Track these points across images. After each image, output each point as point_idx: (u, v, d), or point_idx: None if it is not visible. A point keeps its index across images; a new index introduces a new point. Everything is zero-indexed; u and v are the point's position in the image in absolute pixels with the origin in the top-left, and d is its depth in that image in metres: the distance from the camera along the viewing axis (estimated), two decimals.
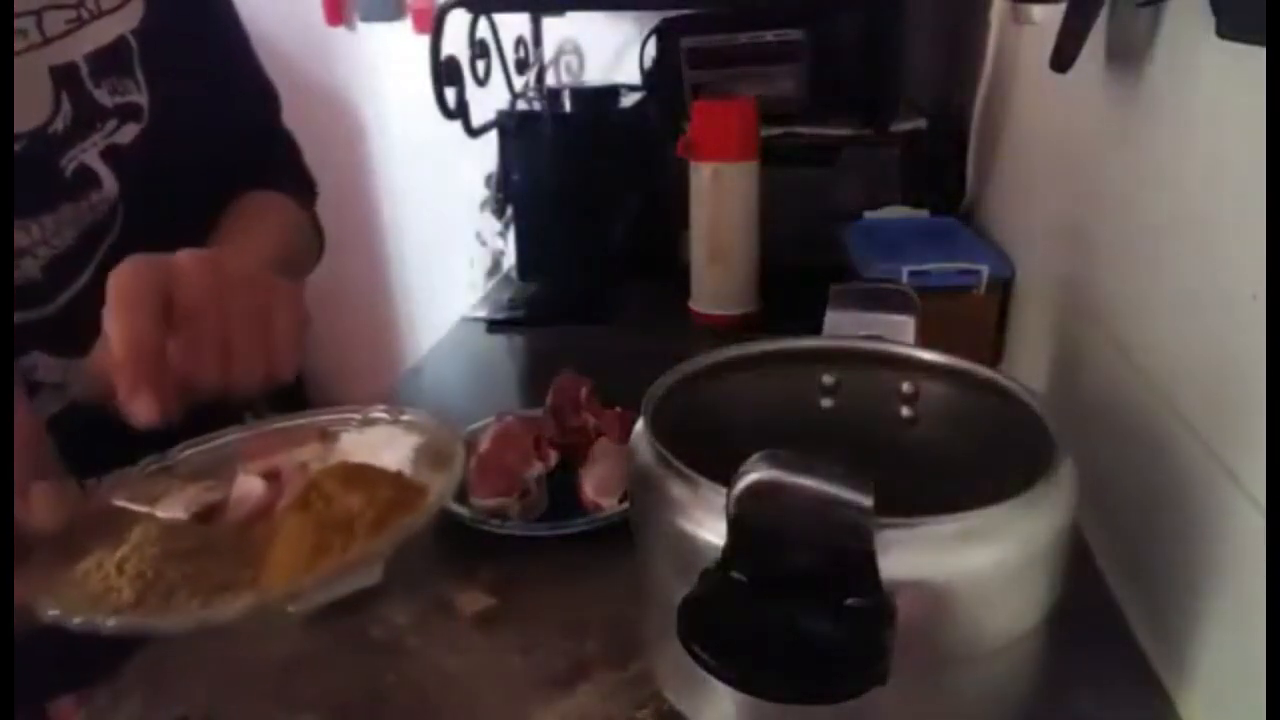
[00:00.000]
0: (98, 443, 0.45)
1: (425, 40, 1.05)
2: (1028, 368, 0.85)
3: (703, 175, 1.02)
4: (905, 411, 0.57)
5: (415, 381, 1.01)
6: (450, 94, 1.07)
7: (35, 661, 0.49)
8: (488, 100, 1.19)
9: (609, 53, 1.48)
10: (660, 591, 0.44)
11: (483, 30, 1.19)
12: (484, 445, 0.72)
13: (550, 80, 1.47)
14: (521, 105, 1.27)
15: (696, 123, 1.01)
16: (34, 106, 0.56)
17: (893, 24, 1.12)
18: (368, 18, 1.60)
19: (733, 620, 0.37)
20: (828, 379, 0.58)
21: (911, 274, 0.88)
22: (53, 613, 0.37)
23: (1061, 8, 0.62)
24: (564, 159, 1.17)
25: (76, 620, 0.37)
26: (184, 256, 0.44)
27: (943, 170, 1.11)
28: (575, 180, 1.18)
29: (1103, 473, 0.60)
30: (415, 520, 0.40)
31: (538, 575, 0.63)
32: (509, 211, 1.32)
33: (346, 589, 0.60)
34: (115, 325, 0.40)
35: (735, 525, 0.38)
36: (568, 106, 1.25)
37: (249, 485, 0.46)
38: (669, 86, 1.24)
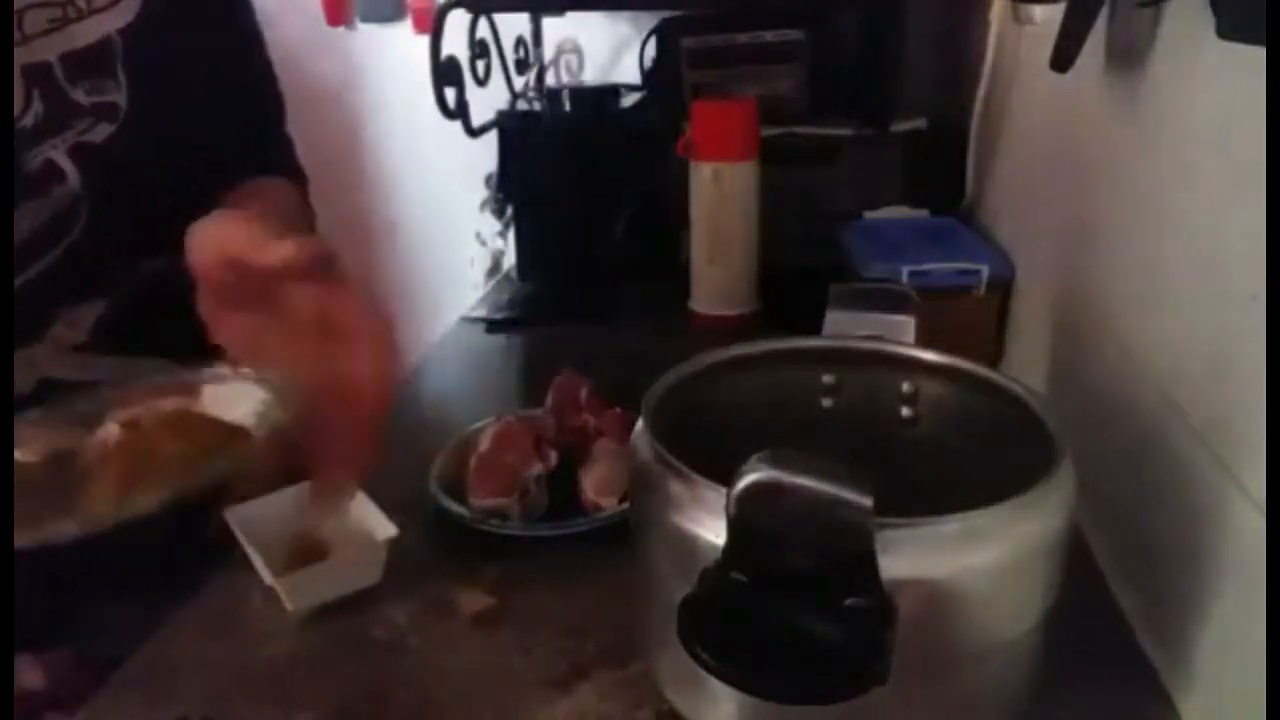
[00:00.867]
0: None
1: (425, 40, 1.05)
2: (1028, 368, 0.85)
3: (703, 175, 1.02)
4: (905, 411, 0.57)
5: (415, 381, 1.01)
6: (450, 94, 1.07)
7: None
8: (488, 100, 1.19)
9: (609, 53, 1.48)
10: (660, 591, 0.44)
11: (483, 30, 1.19)
12: (484, 445, 0.72)
13: (550, 80, 1.47)
14: (521, 105, 1.27)
15: (696, 123, 1.01)
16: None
17: (893, 24, 1.12)
18: (368, 18, 1.60)
19: (733, 620, 0.37)
20: (828, 379, 0.58)
21: (911, 274, 0.88)
22: None
23: (1061, 8, 0.62)
24: (564, 159, 1.17)
25: None
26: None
27: (943, 170, 1.11)
28: (575, 180, 1.18)
29: (1103, 473, 0.60)
30: (226, 461, 0.48)
31: (538, 575, 0.63)
32: (509, 211, 1.32)
33: (345, 589, 0.61)
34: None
35: (735, 525, 0.38)
36: (568, 106, 1.25)
37: (106, 432, 0.50)
38: (669, 86, 1.24)
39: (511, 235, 1.28)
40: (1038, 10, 0.83)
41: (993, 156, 1.03)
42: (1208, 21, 0.46)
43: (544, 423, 0.77)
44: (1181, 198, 0.53)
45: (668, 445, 0.45)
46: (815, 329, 0.59)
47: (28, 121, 0.57)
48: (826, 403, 0.58)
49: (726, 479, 0.38)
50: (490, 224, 1.57)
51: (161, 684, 0.55)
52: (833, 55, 1.24)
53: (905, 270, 0.88)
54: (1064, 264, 0.76)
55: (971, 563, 0.39)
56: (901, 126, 1.15)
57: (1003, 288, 0.90)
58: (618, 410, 0.77)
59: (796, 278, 0.93)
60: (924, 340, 0.57)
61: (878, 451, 0.55)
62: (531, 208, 1.23)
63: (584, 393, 0.78)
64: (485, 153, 1.25)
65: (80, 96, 0.60)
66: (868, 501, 0.36)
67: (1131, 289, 0.61)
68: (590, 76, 1.50)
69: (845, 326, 0.58)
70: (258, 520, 0.63)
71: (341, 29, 1.61)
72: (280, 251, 0.49)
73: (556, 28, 1.46)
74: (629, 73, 1.37)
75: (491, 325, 1.12)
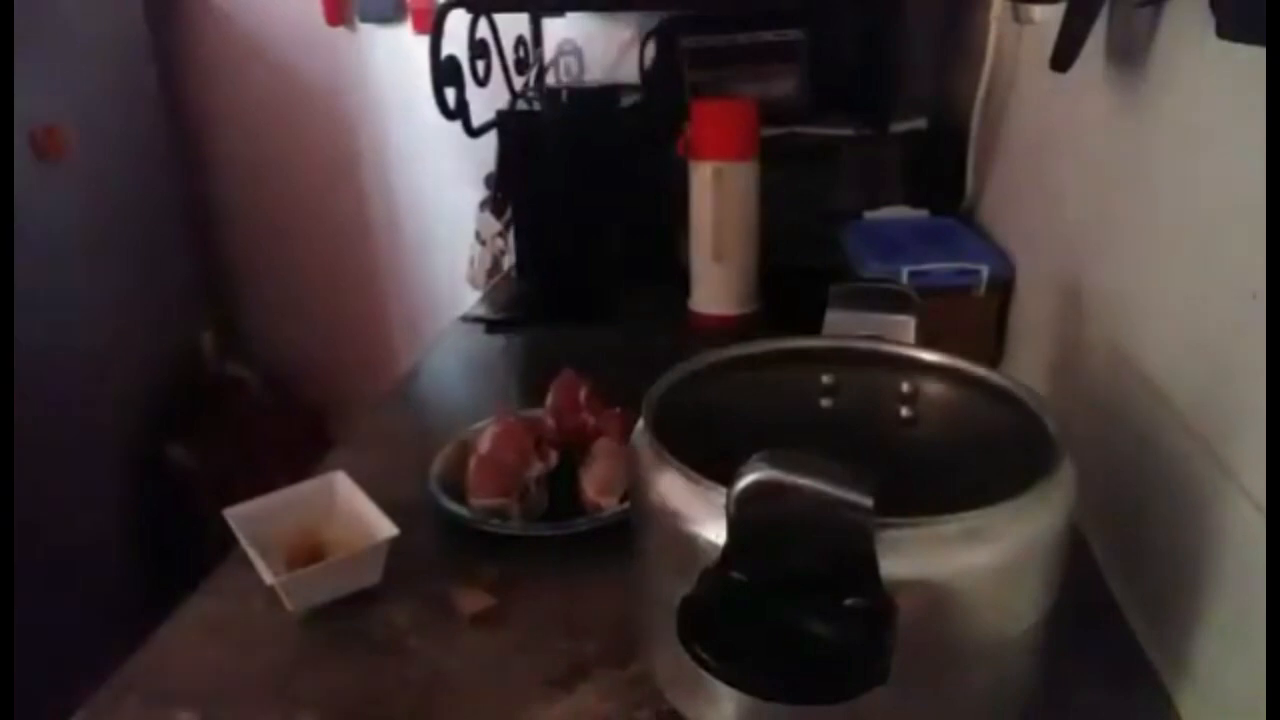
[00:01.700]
0: None
1: (425, 40, 1.05)
2: (1028, 368, 0.85)
3: (703, 175, 1.02)
4: (905, 411, 0.57)
5: (415, 381, 1.01)
6: (450, 94, 1.07)
7: None
8: (488, 100, 1.19)
9: (609, 53, 1.47)
10: (660, 591, 0.44)
11: (483, 30, 1.19)
12: (484, 445, 0.72)
13: (550, 80, 1.47)
14: (521, 105, 1.26)
15: (696, 123, 1.01)
16: None
17: (892, 24, 1.12)
18: (367, 18, 1.59)
19: (733, 620, 0.37)
20: (828, 379, 0.58)
21: (911, 274, 0.88)
22: None
23: (1061, 8, 0.62)
24: (564, 159, 1.17)
25: None
26: None
27: (943, 170, 1.11)
28: (575, 180, 1.18)
29: (1102, 473, 0.60)
30: None
31: (538, 575, 0.63)
32: (509, 211, 1.32)
33: (345, 589, 0.61)
34: None
35: (735, 525, 0.38)
36: (567, 106, 1.25)
37: None
38: (669, 86, 1.24)
39: (511, 235, 1.28)
40: (1037, 10, 0.83)
41: (993, 156, 1.03)
42: (1208, 21, 0.46)
43: (544, 423, 0.77)
44: (1181, 197, 0.53)
45: (668, 445, 0.45)
46: (815, 329, 0.59)
47: None
48: (826, 403, 0.58)
49: (726, 479, 0.38)
50: (490, 224, 1.56)
51: (161, 684, 0.55)
52: (833, 55, 1.24)
53: (905, 270, 0.88)
54: (1064, 264, 0.76)
55: (971, 563, 0.39)
56: (901, 126, 1.15)
57: (1003, 288, 0.90)
58: (618, 410, 0.77)
59: (796, 278, 0.93)
60: (924, 340, 0.57)
61: (878, 451, 0.54)
62: (531, 208, 1.23)
63: (584, 393, 0.78)
64: (485, 153, 1.25)
65: None
66: (868, 501, 0.36)
67: (1131, 289, 0.61)
68: (590, 76, 1.50)
69: (845, 326, 0.58)
70: (258, 520, 0.63)
71: (341, 29, 1.61)
72: None
73: (556, 28, 1.46)
74: (629, 73, 1.37)
75: (491, 325, 1.12)
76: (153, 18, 1.59)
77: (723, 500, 0.38)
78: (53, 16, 1.35)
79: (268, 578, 0.58)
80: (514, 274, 1.27)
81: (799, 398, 0.58)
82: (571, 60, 1.50)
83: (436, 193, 1.66)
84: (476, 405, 0.84)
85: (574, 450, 0.74)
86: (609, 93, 1.28)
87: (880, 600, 0.37)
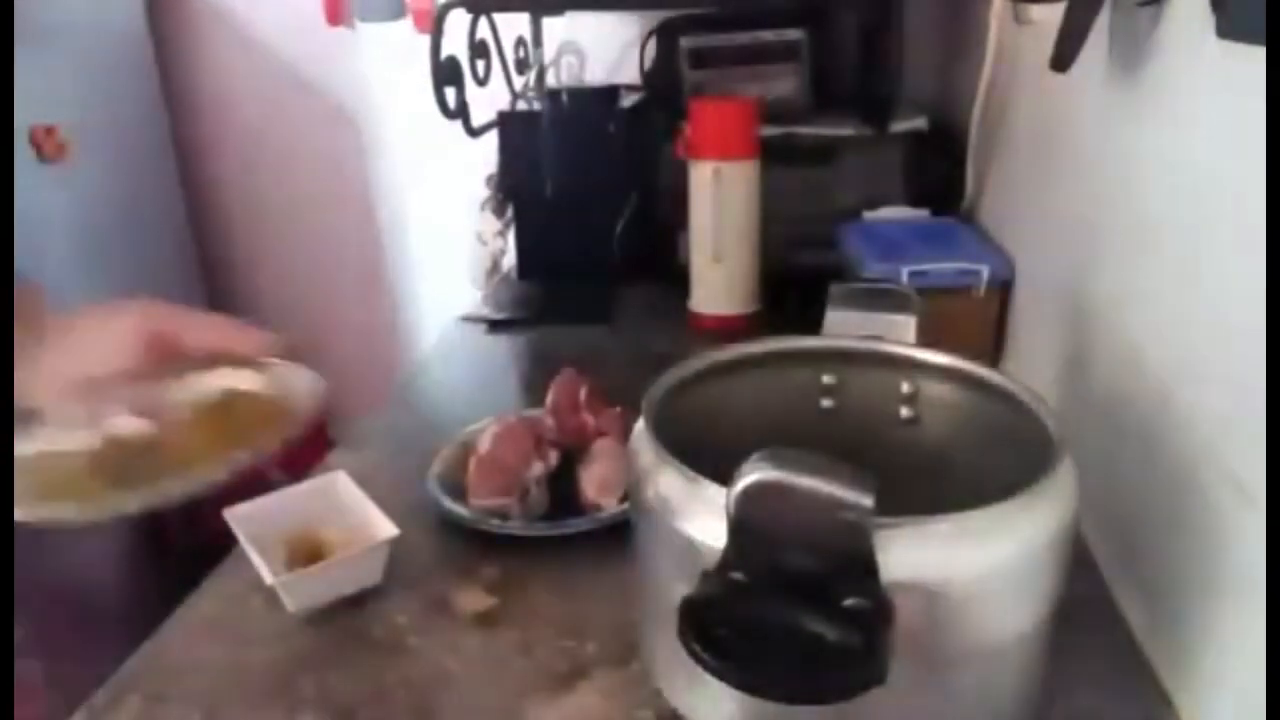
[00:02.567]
0: None
1: (425, 40, 1.05)
2: (1028, 368, 0.85)
3: (703, 175, 1.02)
4: (905, 411, 0.57)
5: (415, 381, 1.01)
6: (450, 94, 1.07)
7: None
8: (488, 100, 1.19)
9: (609, 53, 1.47)
10: (660, 591, 0.44)
11: (483, 30, 1.18)
12: (484, 445, 0.72)
13: (550, 80, 1.47)
14: (521, 105, 1.26)
15: (696, 123, 1.01)
16: None
17: (892, 24, 1.12)
18: (367, 18, 1.59)
19: (733, 620, 0.37)
20: (828, 379, 0.58)
21: (911, 274, 0.88)
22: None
23: (1061, 8, 0.62)
24: (564, 159, 1.17)
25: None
26: None
27: (943, 170, 1.11)
28: (575, 180, 1.18)
29: (1103, 473, 0.60)
30: (299, 419, 0.51)
31: (538, 575, 0.63)
32: (509, 211, 1.32)
33: (345, 589, 0.61)
34: None
35: (735, 525, 0.38)
36: (568, 106, 1.25)
37: (130, 423, 0.53)
38: (669, 86, 1.24)
39: (511, 235, 1.28)
40: (1037, 10, 0.83)
41: (993, 156, 1.03)
42: (1208, 21, 0.46)
43: (544, 423, 0.77)
44: (1181, 197, 0.53)
45: (668, 445, 0.45)
46: (815, 329, 0.59)
47: None
48: (826, 403, 0.58)
49: (726, 479, 0.38)
50: (490, 224, 1.56)
51: (161, 684, 0.55)
52: (833, 55, 1.24)
53: (905, 270, 0.88)
54: (1064, 264, 0.76)
55: (971, 563, 0.39)
56: (901, 126, 1.15)
57: (1003, 288, 0.90)
58: (618, 410, 0.77)
59: (796, 278, 0.93)
60: (924, 340, 0.57)
61: (878, 451, 0.55)
62: (531, 208, 1.23)
63: (584, 393, 0.78)
64: (485, 153, 1.25)
65: None
66: (868, 501, 0.36)
67: (1131, 288, 0.61)
68: (590, 76, 1.50)
69: (845, 326, 0.58)
70: (258, 520, 0.63)
71: (341, 29, 1.61)
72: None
73: (556, 28, 1.45)
74: (629, 73, 1.37)
75: (491, 325, 1.12)
76: (153, 18, 1.59)
77: (723, 500, 0.38)
78: (53, 16, 1.35)
79: (268, 578, 0.58)
80: (514, 274, 1.27)
81: (799, 398, 0.58)
82: (571, 60, 1.50)
83: (436, 193, 1.66)
84: (476, 405, 0.84)
85: (574, 450, 0.74)
86: (609, 93, 1.28)
87: (879, 600, 0.37)
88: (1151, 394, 0.55)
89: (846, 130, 1.16)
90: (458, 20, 1.11)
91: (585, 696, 0.53)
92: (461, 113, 1.10)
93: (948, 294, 0.88)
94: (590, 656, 0.56)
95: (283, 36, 1.61)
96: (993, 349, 0.92)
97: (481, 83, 1.17)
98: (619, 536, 0.52)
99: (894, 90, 1.11)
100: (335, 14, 1.59)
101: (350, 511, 0.65)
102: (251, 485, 0.64)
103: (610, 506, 0.67)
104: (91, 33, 1.44)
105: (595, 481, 0.70)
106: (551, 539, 0.66)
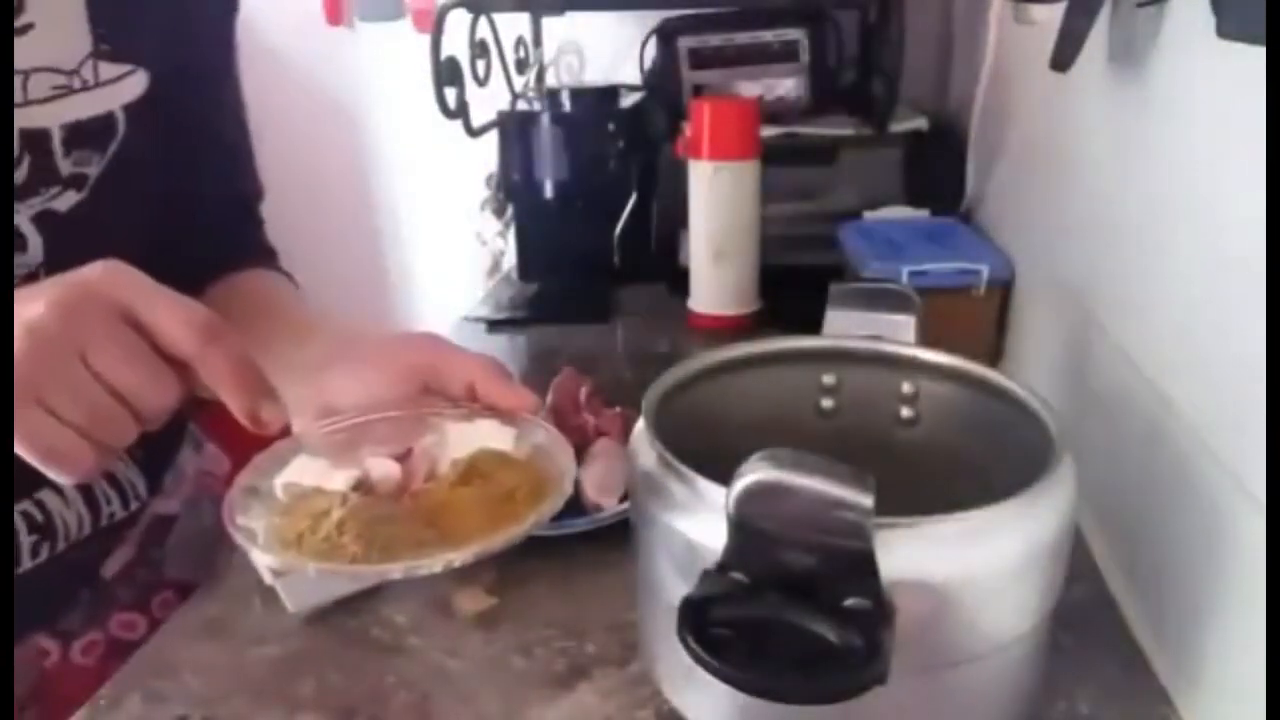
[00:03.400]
0: None
1: (425, 40, 1.05)
2: (1028, 368, 0.85)
3: (703, 175, 1.02)
4: (905, 411, 0.57)
5: None
6: (450, 94, 1.07)
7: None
8: (488, 100, 1.19)
9: (609, 53, 1.48)
10: (660, 591, 0.44)
11: (483, 30, 1.19)
12: None
13: (550, 80, 1.47)
14: (521, 105, 1.27)
15: (696, 123, 1.01)
16: None
17: (892, 24, 1.12)
18: (367, 18, 1.60)
19: (733, 620, 0.37)
20: (828, 379, 0.58)
21: (911, 274, 0.88)
22: (319, 567, 0.45)
23: (1061, 8, 0.62)
24: (564, 159, 1.17)
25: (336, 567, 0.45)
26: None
27: (943, 170, 1.11)
28: (575, 180, 1.18)
29: (1103, 473, 0.60)
30: (559, 495, 0.48)
31: (538, 575, 0.63)
32: (509, 211, 1.32)
33: (345, 589, 0.61)
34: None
35: (735, 525, 0.38)
36: (568, 106, 1.25)
37: (386, 466, 0.51)
38: (669, 86, 1.24)
39: (511, 235, 1.28)
40: (1037, 10, 0.83)
41: (993, 156, 1.03)
42: (1208, 21, 0.46)
43: None
44: (1181, 197, 0.53)
45: (668, 445, 0.45)
46: (815, 329, 0.59)
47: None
48: (826, 403, 0.58)
49: (726, 479, 0.38)
50: (490, 224, 1.57)
51: (161, 684, 0.55)
52: (833, 55, 1.24)
53: (905, 270, 0.88)
54: (1064, 264, 0.76)
55: (971, 563, 0.39)
56: (901, 126, 1.15)
57: (1003, 288, 0.90)
58: (618, 410, 0.77)
59: (796, 278, 0.93)
60: (924, 340, 0.57)
61: (878, 451, 0.55)
62: (531, 208, 1.23)
63: (584, 393, 0.78)
64: (485, 153, 1.25)
65: (66, 167, 0.58)
66: (868, 501, 0.36)
67: (1131, 288, 0.61)
68: (590, 76, 1.50)
69: (845, 326, 0.58)
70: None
71: (341, 29, 1.61)
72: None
73: (556, 28, 1.46)
74: (629, 73, 1.37)
75: (491, 325, 1.12)
76: None
77: (723, 500, 0.38)
78: None
79: (268, 578, 0.58)
80: (514, 274, 1.27)
81: (799, 398, 0.58)
82: (571, 60, 1.50)
83: (436, 193, 1.66)
84: None
85: (574, 450, 0.74)
86: (609, 93, 1.28)
87: (879, 600, 0.37)
88: (1151, 393, 0.55)
89: (846, 130, 1.16)
90: (458, 20, 1.11)
91: (585, 697, 0.53)
92: (461, 113, 1.10)
93: (948, 294, 0.88)
94: (590, 656, 0.56)
95: (283, 36, 1.61)
96: (993, 349, 0.92)
97: (481, 83, 1.17)
98: (619, 536, 0.52)
99: (894, 90, 1.11)
100: (335, 14, 1.59)
101: None
102: None
103: (610, 506, 0.67)
104: None
105: (595, 481, 0.69)
106: (551, 539, 0.66)
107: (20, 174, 0.56)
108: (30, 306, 0.40)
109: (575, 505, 0.69)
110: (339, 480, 0.49)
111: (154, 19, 0.62)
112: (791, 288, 0.99)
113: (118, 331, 0.41)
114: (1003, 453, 0.49)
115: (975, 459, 0.52)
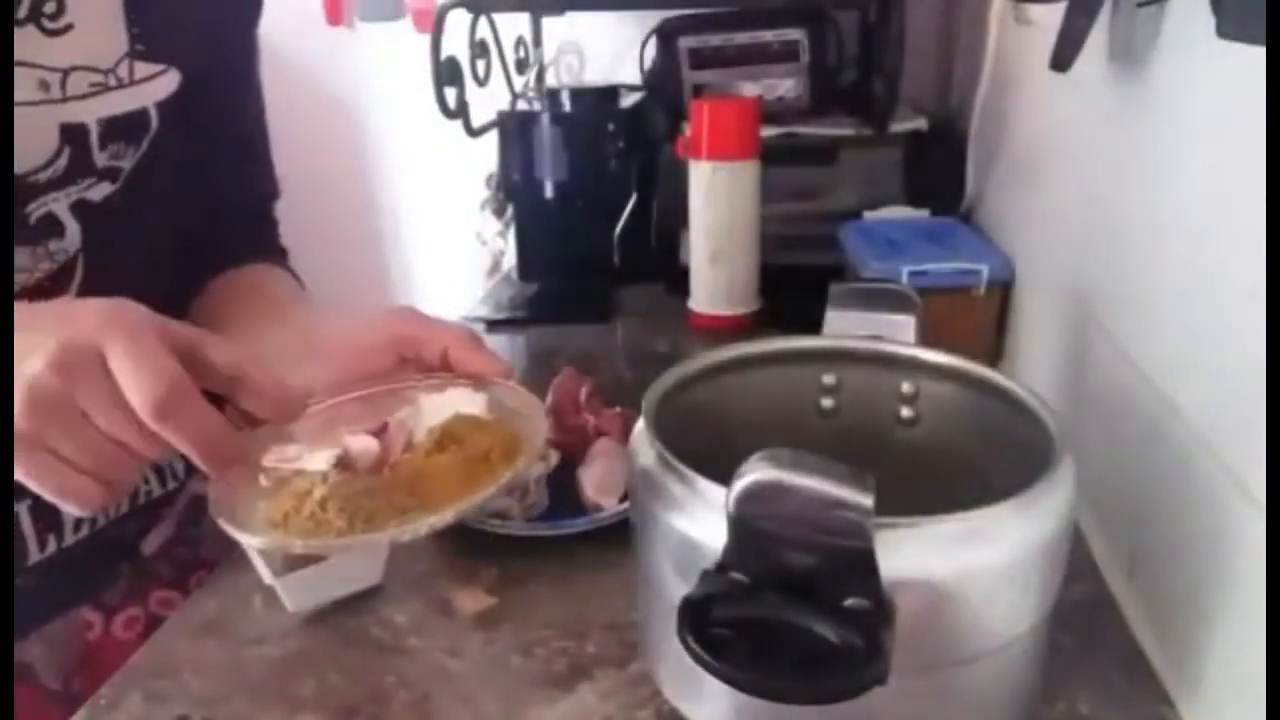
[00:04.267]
0: None
1: (425, 40, 1.05)
2: (1028, 368, 0.85)
3: (703, 175, 1.02)
4: (905, 411, 0.57)
5: None
6: (450, 94, 1.07)
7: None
8: (488, 100, 1.19)
9: (609, 53, 1.47)
10: (660, 591, 0.44)
11: (483, 30, 1.19)
12: None
13: (550, 80, 1.47)
14: (521, 105, 1.27)
15: (696, 123, 1.01)
16: (35, 154, 0.57)
17: (892, 25, 1.12)
18: (367, 18, 1.60)
19: (733, 620, 0.37)
20: (828, 379, 0.58)
21: (911, 274, 0.88)
22: (305, 543, 0.46)
23: (1061, 8, 0.62)
24: (564, 159, 1.17)
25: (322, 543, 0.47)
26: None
27: (943, 170, 1.11)
28: (575, 180, 1.18)
29: (1103, 472, 0.60)
30: (532, 454, 0.50)
31: (538, 575, 0.63)
32: (509, 211, 1.32)
33: (345, 589, 0.61)
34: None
35: (735, 525, 0.38)
36: (568, 106, 1.25)
37: (364, 442, 0.53)
38: (669, 86, 1.24)
39: (511, 235, 1.28)
40: (1037, 10, 0.83)
41: (993, 156, 1.03)
42: (1208, 21, 0.46)
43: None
44: (1181, 197, 0.53)
45: (668, 445, 0.45)
46: (815, 329, 0.59)
47: (41, 176, 0.58)
48: (826, 402, 0.58)
49: (726, 479, 0.38)
50: (490, 224, 1.57)
51: (161, 684, 0.55)
52: (833, 55, 1.24)
53: (905, 270, 0.88)
54: (1063, 264, 0.76)
55: (971, 563, 0.39)
56: (901, 126, 1.15)
57: (1003, 288, 0.90)
58: (618, 410, 0.77)
59: (796, 278, 0.93)
60: (924, 340, 0.57)
61: (878, 451, 0.55)
62: (531, 208, 1.23)
63: (584, 393, 0.78)
64: (485, 153, 1.25)
65: (102, 160, 0.61)
66: (868, 501, 0.36)
67: (1131, 289, 0.61)
68: (590, 76, 1.50)
69: (845, 326, 0.58)
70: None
71: (341, 29, 1.61)
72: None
73: (556, 28, 1.46)
74: (629, 73, 1.37)
75: (491, 325, 1.12)
76: None
77: (723, 500, 0.38)
78: None
79: (267, 578, 0.58)
80: (514, 274, 1.27)
81: (799, 398, 0.58)
82: (571, 60, 1.50)
83: (436, 193, 1.66)
84: None
85: (574, 450, 0.74)
86: (609, 93, 1.28)
87: (879, 600, 0.37)
88: (1151, 393, 0.55)
89: (846, 130, 1.16)
90: (458, 20, 1.11)
91: (585, 697, 0.53)
92: (461, 113, 1.10)
93: (948, 294, 0.88)
94: (590, 657, 0.56)
95: (283, 36, 1.61)
96: (993, 349, 0.92)
97: (481, 83, 1.17)
98: (619, 536, 0.52)
99: (894, 90, 1.11)
100: (335, 14, 1.59)
101: None
102: None
103: (610, 506, 0.67)
104: None
105: (595, 481, 0.69)
106: (551, 539, 0.66)
107: (59, 165, 0.59)
108: (30, 362, 0.41)
109: (575, 505, 0.69)
110: (319, 460, 0.51)
111: (186, 22, 0.65)
112: (791, 288, 0.99)
113: (115, 389, 0.42)
114: (1003, 453, 0.49)
115: (975, 459, 0.52)
